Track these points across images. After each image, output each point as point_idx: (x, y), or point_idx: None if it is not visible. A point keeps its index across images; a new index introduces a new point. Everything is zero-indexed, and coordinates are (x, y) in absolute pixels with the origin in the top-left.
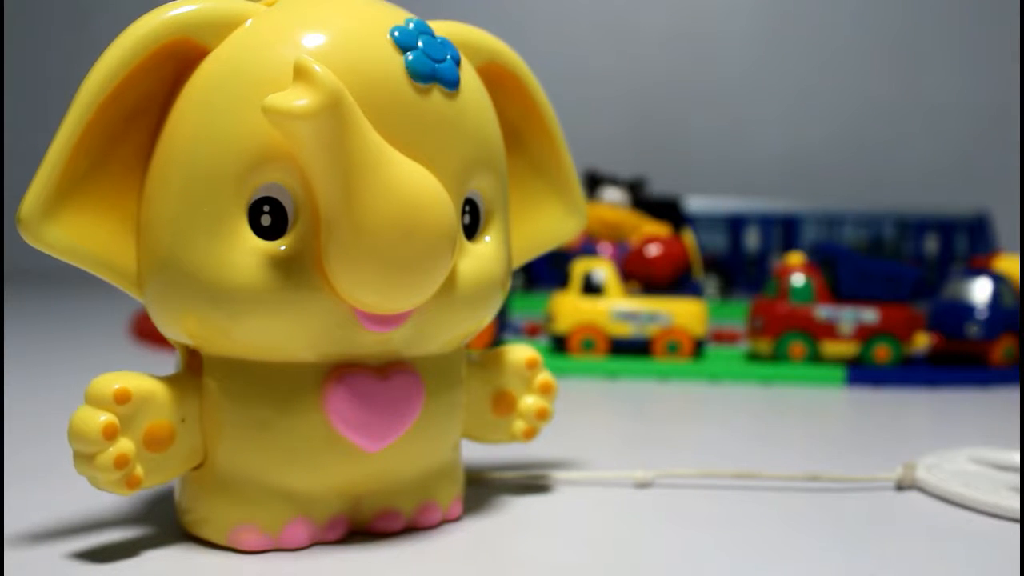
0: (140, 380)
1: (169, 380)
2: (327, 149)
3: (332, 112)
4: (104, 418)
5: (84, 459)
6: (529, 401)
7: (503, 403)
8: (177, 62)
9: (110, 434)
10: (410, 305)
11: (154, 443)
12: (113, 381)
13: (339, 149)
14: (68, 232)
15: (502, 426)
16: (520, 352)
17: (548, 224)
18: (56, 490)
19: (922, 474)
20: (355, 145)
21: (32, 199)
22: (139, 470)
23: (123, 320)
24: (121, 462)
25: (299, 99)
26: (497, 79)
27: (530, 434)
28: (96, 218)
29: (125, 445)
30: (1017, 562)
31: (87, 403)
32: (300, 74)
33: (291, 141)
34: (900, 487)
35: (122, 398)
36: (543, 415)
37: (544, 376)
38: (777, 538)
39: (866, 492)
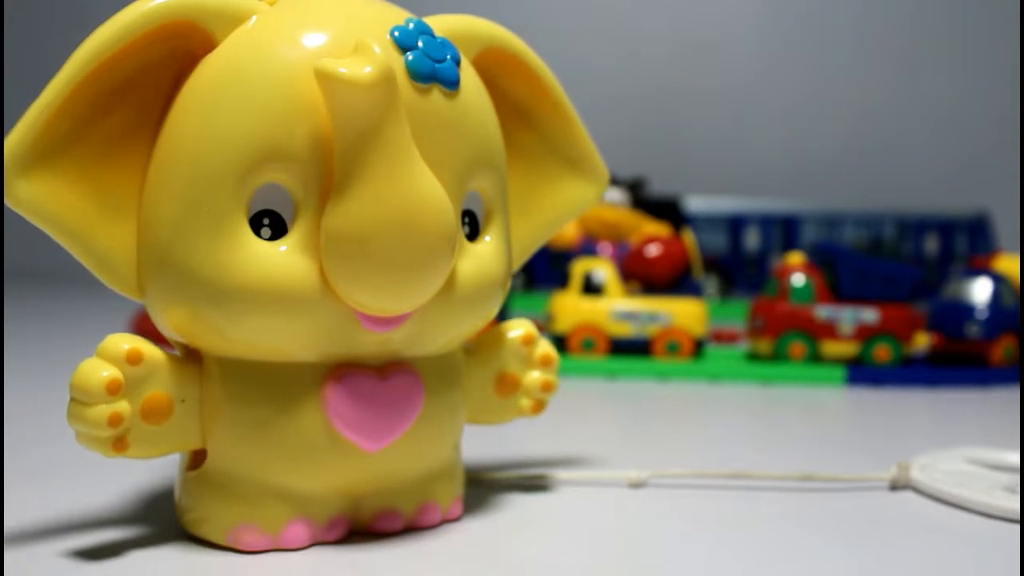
0: (152, 349)
1: (176, 359)
2: (368, 122)
3: (385, 88)
4: (108, 373)
5: (79, 410)
6: (533, 376)
7: (506, 384)
8: (179, 46)
9: (113, 389)
10: (409, 307)
11: (151, 414)
12: (127, 341)
13: (376, 126)
14: (40, 192)
15: (508, 406)
16: (515, 331)
17: (569, 195)
18: (56, 490)
19: (916, 474)
20: (390, 128)
21: (8, 152)
22: (129, 436)
23: (123, 320)
24: (115, 420)
25: (365, 67)
26: (498, 63)
27: (538, 408)
28: (71, 186)
29: (123, 406)
30: (1009, 562)
31: (97, 356)
32: (361, 50)
33: (336, 108)
34: (894, 487)
35: (134, 358)
36: (548, 387)
37: (543, 349)
38: (771, 538)
39: (860, 492)
